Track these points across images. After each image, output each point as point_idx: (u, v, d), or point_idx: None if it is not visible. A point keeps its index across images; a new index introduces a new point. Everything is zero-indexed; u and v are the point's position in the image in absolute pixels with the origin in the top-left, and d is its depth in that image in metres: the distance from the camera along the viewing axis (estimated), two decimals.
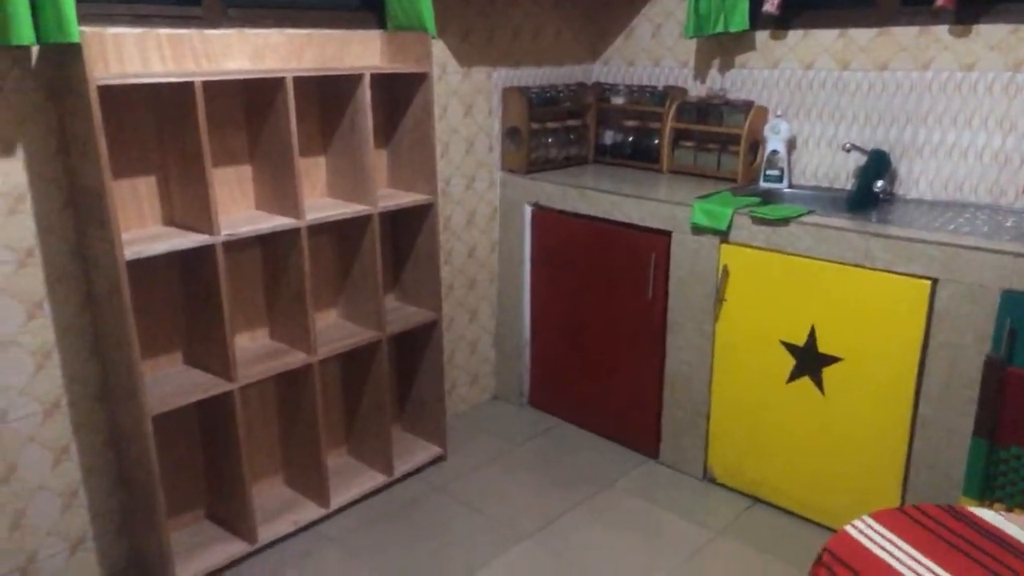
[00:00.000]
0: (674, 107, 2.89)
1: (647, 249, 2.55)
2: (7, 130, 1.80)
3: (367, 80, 2.21)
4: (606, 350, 2.78)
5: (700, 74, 2.95)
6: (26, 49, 1.78)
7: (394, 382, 2.78)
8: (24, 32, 1.58)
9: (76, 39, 1.62)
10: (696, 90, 2.97)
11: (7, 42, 1.58)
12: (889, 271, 2.06)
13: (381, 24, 2.46)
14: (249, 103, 2.17)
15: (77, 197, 1.90)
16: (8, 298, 1.86)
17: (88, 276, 1.97)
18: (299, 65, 2.25)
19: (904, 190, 2.52)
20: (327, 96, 2.33)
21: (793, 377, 2.30)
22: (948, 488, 2.06)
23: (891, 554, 1.32)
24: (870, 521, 1.40)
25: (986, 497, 1.94)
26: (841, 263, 2.14)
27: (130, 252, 1.83)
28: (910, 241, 2.01)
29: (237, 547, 2.22)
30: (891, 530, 1.38)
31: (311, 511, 2.40)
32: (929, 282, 2.00)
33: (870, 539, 1.35)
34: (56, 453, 2.01)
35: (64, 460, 2.03)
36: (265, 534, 2.27)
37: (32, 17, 1.59)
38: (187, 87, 1.87)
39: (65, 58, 1.73)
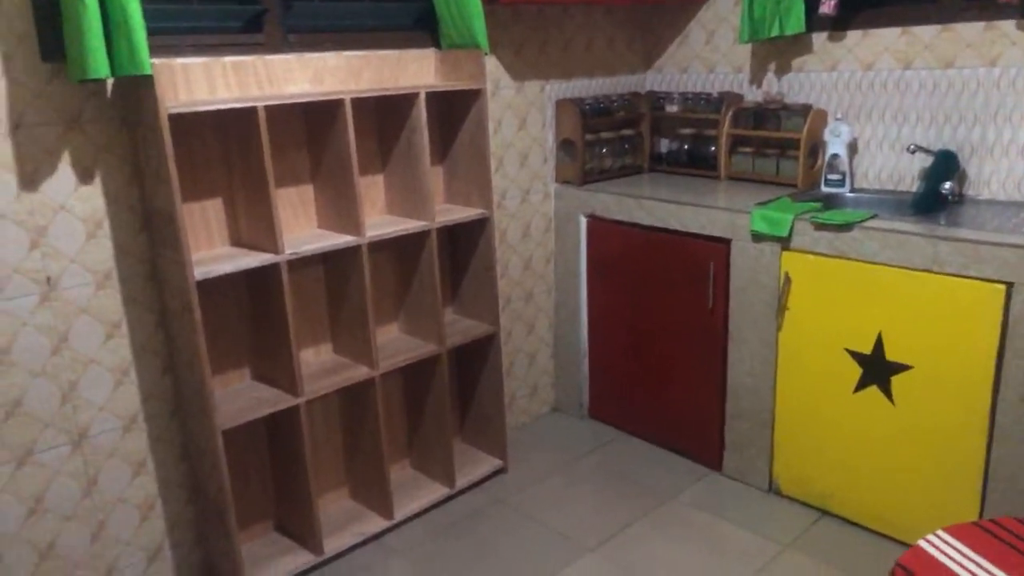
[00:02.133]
0: (730, 113, 2.85)
1: (706, 258, 2.53)
2: (86, 159, 1.89)
3: (423, 98, 2.25)
4: (666, 361, 2.76)
5: (756, 79, 2.91)
6: (101, 82, 1.87)
7: (455, 395, 2.81)
8: (100, 66, 1.66)
9: (148, 71, 1.70)
10: (752, 95, 2.93)
11: (85, 76, 1.66)
12: (960, 275, 1.99)
13: (435, 43, 2.51)
14: (310, 125, 2.24)
15: (150, 221, 1.99)
16: (89, 318, 1.96)
17: (161, 296, 2.06)
18: (357, 86, 2.31)
19: (974, 191, 2.43)
20: (384, 115, 2.38)
21: (860, 386, 2.24)
22: None
23: (968, 570, 1.27)
24: (945, 535, 1.36)
25: None
26: (908, 268, 2.08)
27: (199, 272, 1.90)
28: (982, 244, 1.94)
29: (304, 558, 2.27)
30: (967, 545, 1.33)
31: (375, 523, 2.43)
32: (1004, 286, 1.92)
33: (945, 554, 1.31)
34: (134, 467, 2.10)
35: (142, 473, 2.11)
36: (331, 546, 2.31)
37: (107, 51, 1.68)
38: (251, 112, 1.94)
39: (138, 89, 1.82)
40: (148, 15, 1.76)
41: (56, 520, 1.98)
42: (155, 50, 1.88)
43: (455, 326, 2.64)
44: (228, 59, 2.03)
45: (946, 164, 2.39)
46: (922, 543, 1.35)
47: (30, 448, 1.91)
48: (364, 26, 2.40)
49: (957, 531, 1.37)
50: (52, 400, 1.93)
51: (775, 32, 2.67)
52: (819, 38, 2.70)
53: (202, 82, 1.99)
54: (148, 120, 1.82)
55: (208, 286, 2.07)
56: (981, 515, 2.08)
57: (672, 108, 3.05)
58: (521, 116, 2.82)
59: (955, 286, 2.00)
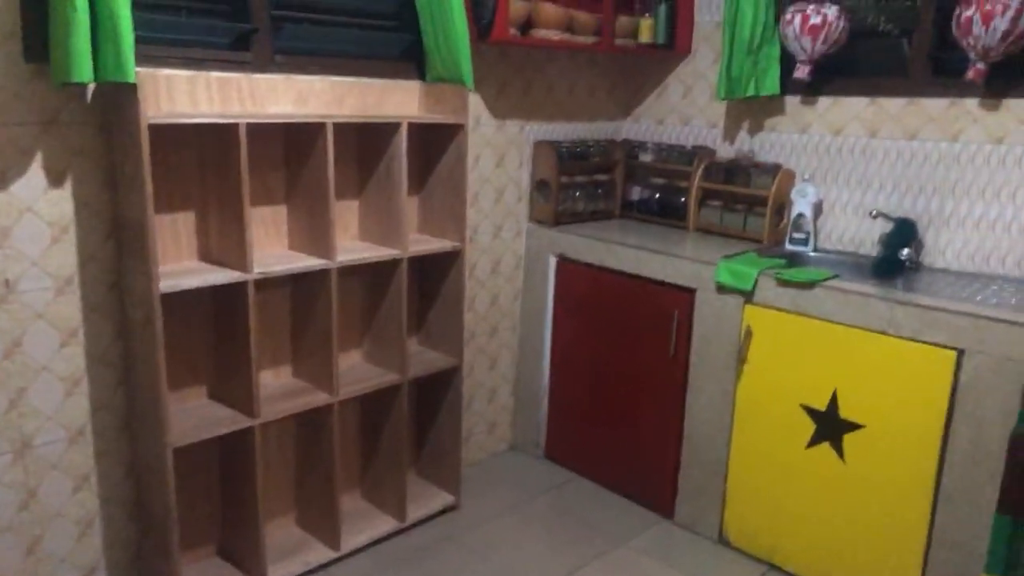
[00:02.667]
0: (702, 167, 2.93)
1: (671, 306, 2.56)
2: (59, 161, 1.86)
3: (404, 128, 2.27)
4: (625, 405, 2.77)
5: (729, 135, 3.00)
6: (82, 86, 1.85)
7: (412, 427, 2.78)
8: (84, 71, 1.65)
9: (132, 79, 1.69)
10: (724, 151, 3.01)
11: (67, 79, 1.65)
12: (914, 339, 2.05)
13: (421, 75, 2.53)
14: (289, 146, 2.24)
15: (119, 229, 1.96)
16: (45, 324, 1.91)
17: (123, 307, 2.02)
18: (340, 111, 2.32)
19: (931, 259, 2.52)
20: (365, 142, 2.39)
21: (813, 442, 2.28)
22: (970, 564, 2.01)
23: None
24: None
25: (1009, 574, 1.90)
26: (865, 329, 2.14)
27: (165, 285, 1.87)
28: (936, 310, 2.01)
29: None
30: None
31: (322, 553, 2.38)
32: (955, 352, 1.99)
33: None
34: (77, 480, 2.03)
35: (84, 488, 2.05)
36: (275, 574, 2.25)
37: (92, 56, 1.66)
38: (231, 128, 1.93)
39: (119, 96, 1.81)
40: (138, 24, 1.75)
41: None
42: (141, 59, 1.87)
43: (418, 357, 2.62)
44: (213, 74, 2.03)
45: (905, 231, 2.48)
46: None
47: None
48: (352, 53, 2.42)
49: None
50: None
51: (751, 92, 2.76)
52: (792, 101, 2.80)
53: (185, 95, 1.98)
54: (127, 128, 1.80)
55: (173, 300, 2.03)
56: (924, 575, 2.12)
57: (646, 157, 3.12)
58: (499, 154, 2.85)
59: (909, 349, 2.06)
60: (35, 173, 1.83)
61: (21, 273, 1.85)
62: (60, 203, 1.88)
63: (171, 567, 2.03)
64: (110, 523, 2.11)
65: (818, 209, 2.74)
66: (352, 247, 2.37)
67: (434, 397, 2.71)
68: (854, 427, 2.19)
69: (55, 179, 1.86)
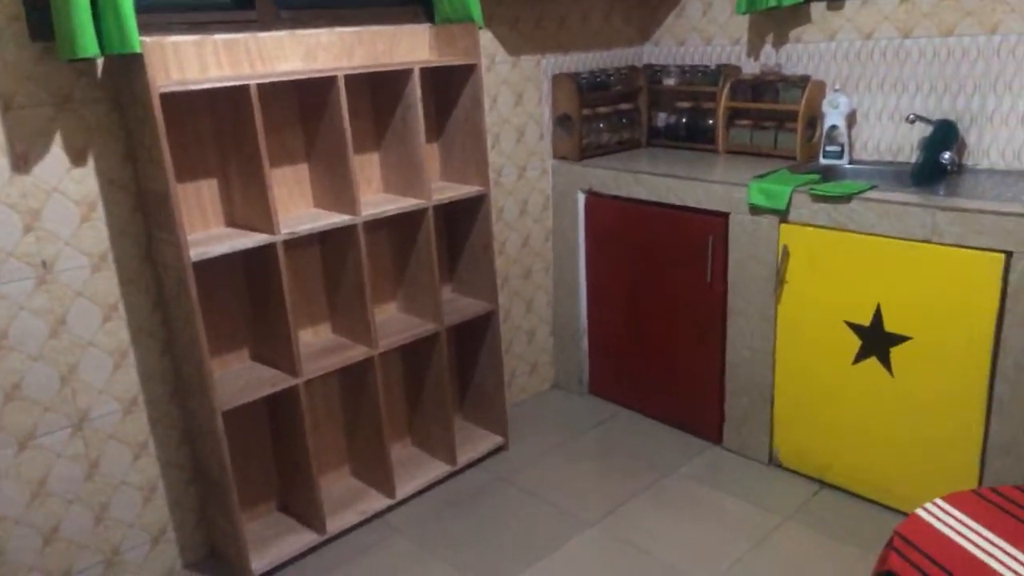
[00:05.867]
0: (728, 86, 2.83)
1: (704, 232, 2.52)
2: (78, 140, 1.88)
3: (417, 74, 2.23)
4: (665, 336, 2.76)
5: (754, 51, 2.88)
6: (91, 62, 1.85)
7: (454, 373, 2.81)
8: (89, 44, 1.64)
9: (138, 49, 1.68)
10: (750, 67, 2.90)
11: (73, 55, 1.64)
12: (959, 245, 1.98)
13: (429, 18, 2.48)
14: (303, 103, 2.22)
15: (145, 202, 1.98)
16: (86, 301, 1.95)
17: (158, 278, 2.05)
18: (350, 63, 2.28)
19: (974, 161, 2.42)
20: (378, 92, 2.36)
21: (860, 358, 2.24)
22: None
23: (966, 537, 1.27)
24: (943, 504, 1.36)
25: None
26: (907, 239, 2.07)
27: (195, 253, 1.89)
28: (981, 213, 1.93)
29: (308, 537, 2.28)
30: (965, 512, 1.33)
31: (378, 501, 2.45)
32: (1003, 255, 1.91)
33: (943, 522, 1.31)
34: (135, 449, 2.10)
35: (143, 455, 2.12)
36: (334, 525, 2.33)
37: (96, 29, 1.65)
38: (243, 90, 1.91)
39: (128, 68, 1.80)
40: None
41: (59, 504, 1.98)
42: (145, 28, 1.86)
43: (453, 304, 2.63)
44: (219, 37, 2.00)
45: (945, 134, 2.37)
46: (920, 512, 1.35)
47: (31, 432, 1.91)
48: (357, 1, 2.37)
49: (955, 499, 1.37)
50: (51, 384, 1.92)
51: (773, 2, 2.63)
52: (817, 8, 2.67)
53: (193, 60, 1.97)
54: (139, 100, 1.80)
55: (204, 267, 2.06)
56: (980, 484, 2.09)
57: (669, 81, 3.03)
58: (517, 91, 2.79)
59: (954, 256, 2.00)
60: (56, 154, 1.85)
61: (56, 253, 1.88)
62: (85, 181, 1.90)
63: (234, 525, 2.10)
64: (172, 487, 2.19)
65: (852, 119, 2.64)
66: (376, 200, 2.36)
67: (473, 342, 2.73)
68: (901, 339, 2.14)
69: (77, 158, 1.88)
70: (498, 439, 2.75)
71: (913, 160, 2.50)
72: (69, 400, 1.96)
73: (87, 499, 2.03)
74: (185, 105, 2.00)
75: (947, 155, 2.34)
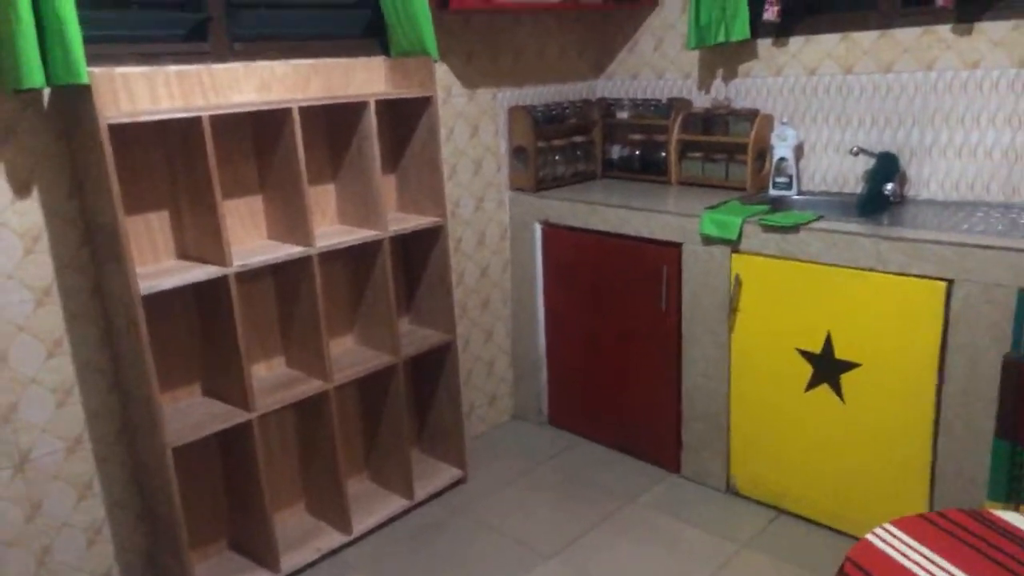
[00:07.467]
0: (679, 119, 2.89)
1: (658, 262, 2.55)
2: (23, 171, 1.84)
3: (372, 106, 2.24)
4: (623, 365, 2.77)
5: (704, 85, 2.96)
6: (37, 92, 1.82)
7: (412, 405, 2.78)
8: (35, 76, 1.61)
9: (85, 80, 1.66)
10: (700, 101, 2.97)
11: (19, 86, 1.62)
12: (903, 274, 2.04)
13: (385, 51, 2.49)
14: (257, 135, 2.21)
15: (92, 235, 1.94)
16: (28, 337, 1.89)
17: (106, 312, 2.00)
18: (305, 95, 2.28)
19: (915, 192, 2.50)
20: (334, 124, 2.36)
21: (812, 385, 2.28)
22: (974, 492, 2.02)
23: (914, 561, 1.30)
24: (892, 528, 1.38)
25: (1012, 500, 1.91)
26: (854, 267, 2.13)
27: (145, 286, 1.85)
28: (923, 242, 1.99)
29: None
30: (913, 537, 1.36)
31: (334, 538, 2.40)
32: (944, 283, 1.97)
33: (892, 547, 1.33)
34: (80, 489, 2.03)
35: (88, 496, 2.05)
36: (289, 563, 2.27)
37: (42, 60, 1.63)
38: (195, 122, 1.90)
39: (75, 99, 1.77)
40: (87, 23, 1.72)
41: None
42: (95, 59, 1.84)
43: (411, 336, 2.62)
44: (172, 68, 1.99)
45: (887, 166, 2.45)
46: (870, 537, 1.37)
47: None
48: (312, 34, 2.37)
49: (903, 524, 1.39)
50: None
51: (721, 38, 2.71)
52: (764, 44, 2.76)
53: (144, 91, 1.95)
54: (87, 131, 1.77)
55: (154, 300, 2.02)
56: (931, 508, 2.13)
57: (623, 114, 3.08)
58: (473, 124, 2.82)
59: (898, 284, 2.05)
60: None
61: None
62: (29, 213, 1.86)
63: (183, 565, 2.04)
64: (119, 528, 2.12)
65: (799, 151, 2.72)
66: (331, 231, 2.35)
67: (431, 374, 2.71)
68: (851, 366, 2.19)
69: (20, 189, 1.84)
70: (457, 472, 2.72)
71: (858, 191, 2.58)
72: (9, 440, 1.89)
73: (27, 542, 1.95)
74: (135, 136, 1.98)
75: (889, 186, 2.41)
